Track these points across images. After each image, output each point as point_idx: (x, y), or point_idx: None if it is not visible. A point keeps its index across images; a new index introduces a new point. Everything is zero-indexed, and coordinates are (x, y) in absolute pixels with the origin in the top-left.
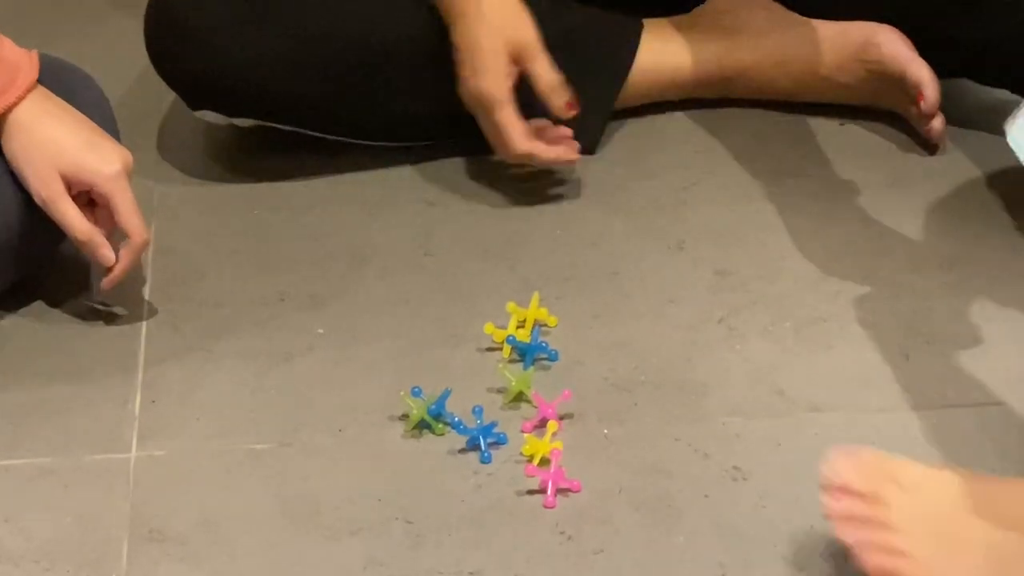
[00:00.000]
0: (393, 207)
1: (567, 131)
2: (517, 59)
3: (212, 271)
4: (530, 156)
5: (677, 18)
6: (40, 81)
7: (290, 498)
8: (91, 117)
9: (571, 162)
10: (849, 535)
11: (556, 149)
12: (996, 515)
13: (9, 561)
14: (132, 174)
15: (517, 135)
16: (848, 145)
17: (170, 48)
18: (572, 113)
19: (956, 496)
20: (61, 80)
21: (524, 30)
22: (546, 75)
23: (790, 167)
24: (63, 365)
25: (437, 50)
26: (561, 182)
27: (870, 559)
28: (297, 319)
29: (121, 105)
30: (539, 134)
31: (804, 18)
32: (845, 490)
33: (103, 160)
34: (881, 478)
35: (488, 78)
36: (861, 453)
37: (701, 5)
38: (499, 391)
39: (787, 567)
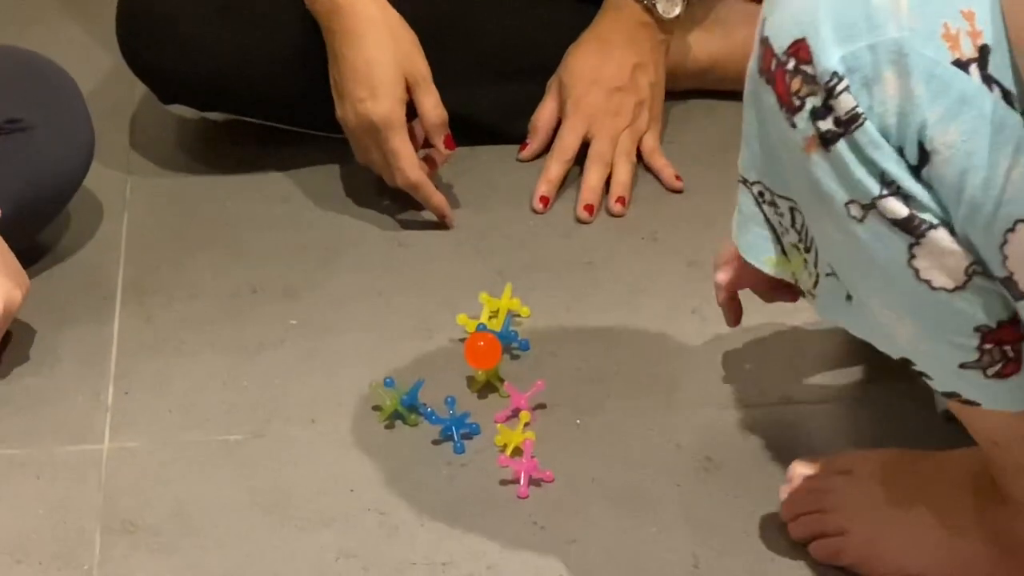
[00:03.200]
0: (366, 199)
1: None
2: (410, 89)
3: (185, 263)
4: (417, 187)
5: None
6: (13, 75)
7: (263, 489)
8: (64, 110)
9: (444, 218)
10: (798, 531)
11: (440, 196)
12: (936, 484)
13: None
14: (14, 312)
15: (410, 163)
16: None
17: (140, 43)
18: (450, 150)
19: (892, 472)
20: (34, 73)
21: (421, 62)
22: (434, 110)
23: None
24: (35, 356)
25: None
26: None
27: (814, 546)
28: (270, 310)
29: (94, 97)
30: (426, 161)
31: None
32: (792, 494)
33: None
34: (825, 473)
35: (386, 103)
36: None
37: None
38: (472, 382)
39: (758, 557)
